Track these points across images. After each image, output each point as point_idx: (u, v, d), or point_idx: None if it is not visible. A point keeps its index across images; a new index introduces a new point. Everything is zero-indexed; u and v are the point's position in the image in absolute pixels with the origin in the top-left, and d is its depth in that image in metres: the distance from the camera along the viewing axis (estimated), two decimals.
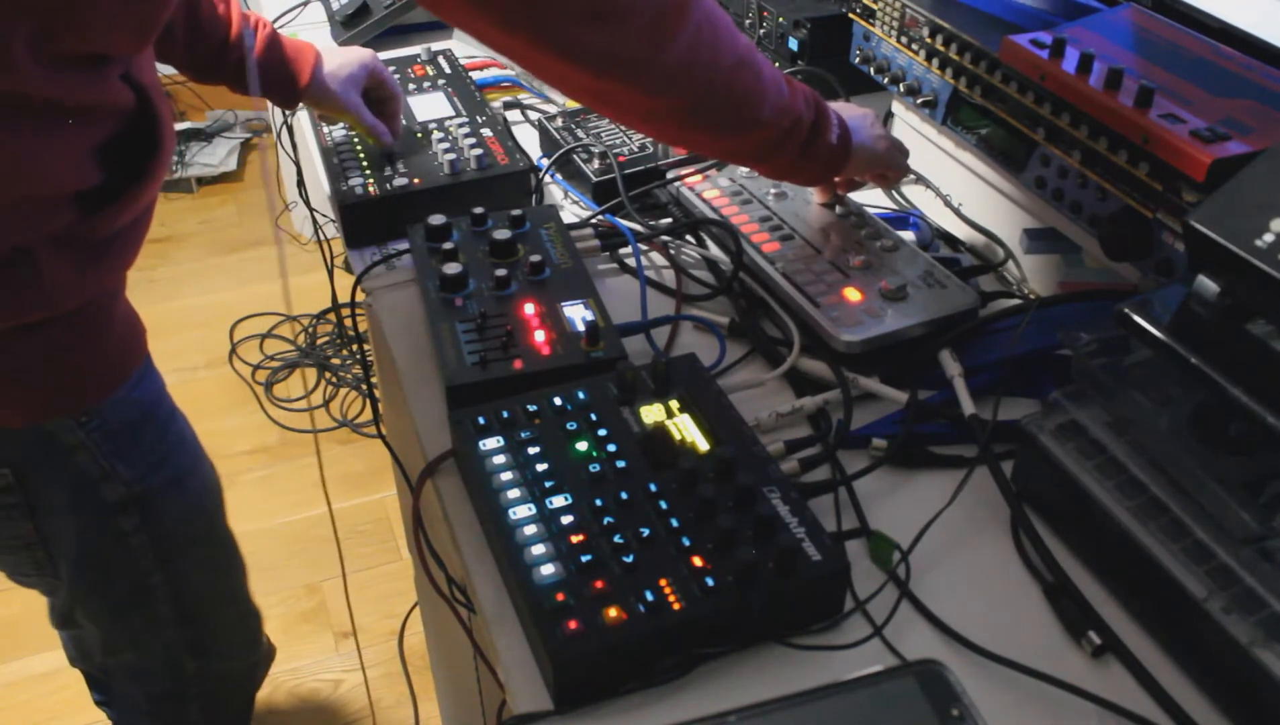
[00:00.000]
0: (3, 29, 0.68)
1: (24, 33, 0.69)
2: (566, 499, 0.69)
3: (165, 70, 1.08)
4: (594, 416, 0.75)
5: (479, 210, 0.98)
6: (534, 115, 1.31)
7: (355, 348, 2.51)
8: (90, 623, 1.12)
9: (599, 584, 0.63)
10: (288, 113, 1.30)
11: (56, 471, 0.94)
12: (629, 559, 0.65)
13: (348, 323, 2.38)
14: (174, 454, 1.04)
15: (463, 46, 1.46)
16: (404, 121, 1.19)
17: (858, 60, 1.14)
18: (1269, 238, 0.61)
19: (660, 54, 0.75)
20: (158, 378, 1.02)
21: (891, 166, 1.00)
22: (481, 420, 0.75)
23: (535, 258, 0.91)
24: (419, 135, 1.17)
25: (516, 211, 0.98)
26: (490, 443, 0.74)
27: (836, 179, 1.01)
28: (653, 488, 0.70)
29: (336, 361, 2.54)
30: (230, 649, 1.27)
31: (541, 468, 0.71)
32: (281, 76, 1.09)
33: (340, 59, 1.13)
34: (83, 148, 0.79)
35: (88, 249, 0.83)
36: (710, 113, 0.82)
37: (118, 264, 0.88)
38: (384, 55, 1.39)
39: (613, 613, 0.62)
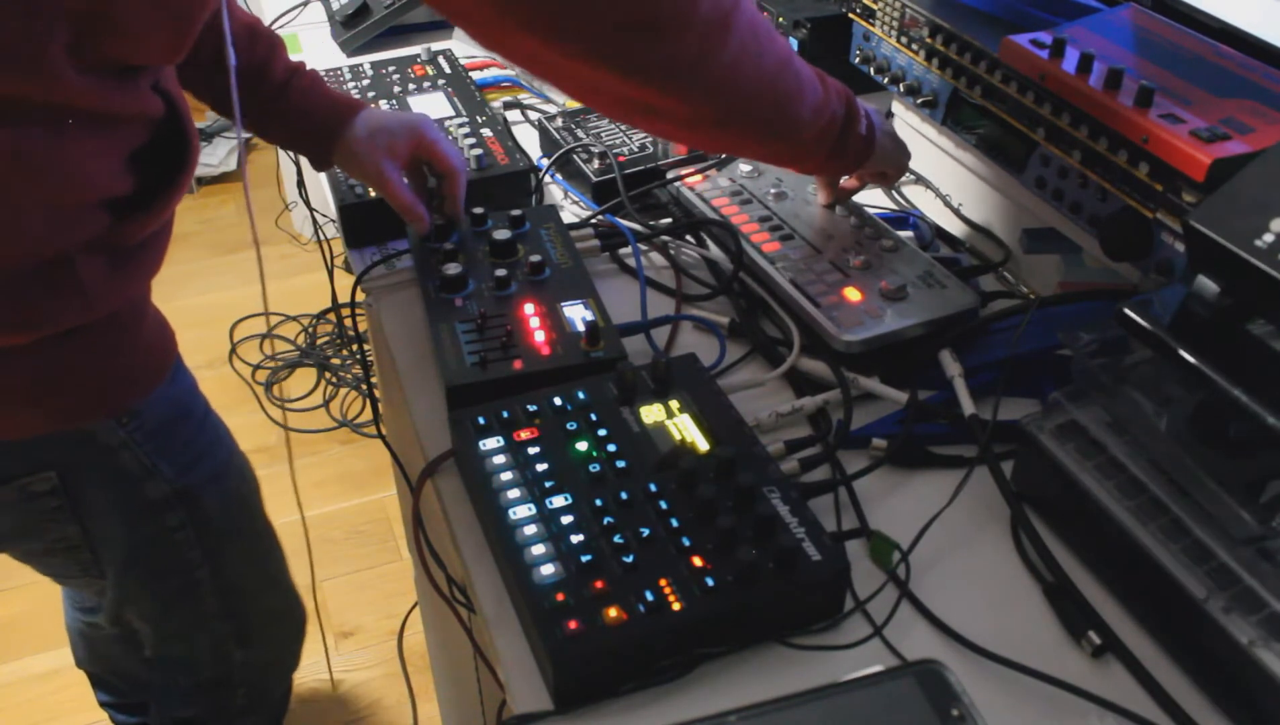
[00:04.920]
0: (42, 37, 0.69)
1: (62, 41, 0.70)
2: (566, 499, 0.69)
3: None
4: (594, 416, 0.75)
5: (479, 210, 0.98)
6: (534, 115, 1.31)
7: (355, 348, 2.51)
8: (140, 620, 1.14)
9: (599, 584, 0.64)
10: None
11: (100, 472, 0.95)
12: (629, 559, 0.65)
13: (348, 323, 2.38)
14: (211, 448, 1.05)
15: (462, 47, 1.46)
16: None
17: (858, 60, 1.14)
18: (1269, 238, 0.61)
19: (710, 61, 0.74)
20: (189, 376, 1.03)
21: (901, 162, 1.00)
22: (481, 420, 0.75)
23: (535, 258, 0.91)
24: None
25: (516, 211, 0.98)
26: (490, 443, 0.74)
27: (851, 183, 1.01)
28: (653, 488, 0.70)
29: (336, 361, 2.54)
30: (275, 637, 1.28)
31: (541, 468, 0.71)
32: (310, 129, 0.99)
33: (380, 120, 0.98)
34: (119, 155, 0.81)
35: (121, 255, 0.84)
36: (755, 117, 0.82)
37: (148, 268, 0.89)
38: (384, 55, 1.39)
39: (613, 613, 0.62)
